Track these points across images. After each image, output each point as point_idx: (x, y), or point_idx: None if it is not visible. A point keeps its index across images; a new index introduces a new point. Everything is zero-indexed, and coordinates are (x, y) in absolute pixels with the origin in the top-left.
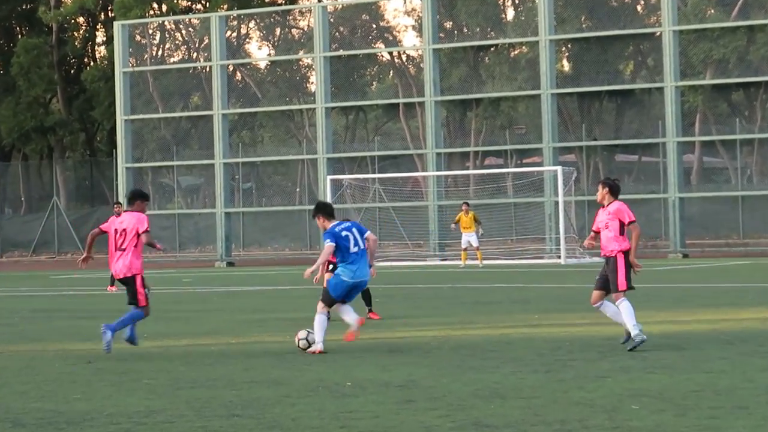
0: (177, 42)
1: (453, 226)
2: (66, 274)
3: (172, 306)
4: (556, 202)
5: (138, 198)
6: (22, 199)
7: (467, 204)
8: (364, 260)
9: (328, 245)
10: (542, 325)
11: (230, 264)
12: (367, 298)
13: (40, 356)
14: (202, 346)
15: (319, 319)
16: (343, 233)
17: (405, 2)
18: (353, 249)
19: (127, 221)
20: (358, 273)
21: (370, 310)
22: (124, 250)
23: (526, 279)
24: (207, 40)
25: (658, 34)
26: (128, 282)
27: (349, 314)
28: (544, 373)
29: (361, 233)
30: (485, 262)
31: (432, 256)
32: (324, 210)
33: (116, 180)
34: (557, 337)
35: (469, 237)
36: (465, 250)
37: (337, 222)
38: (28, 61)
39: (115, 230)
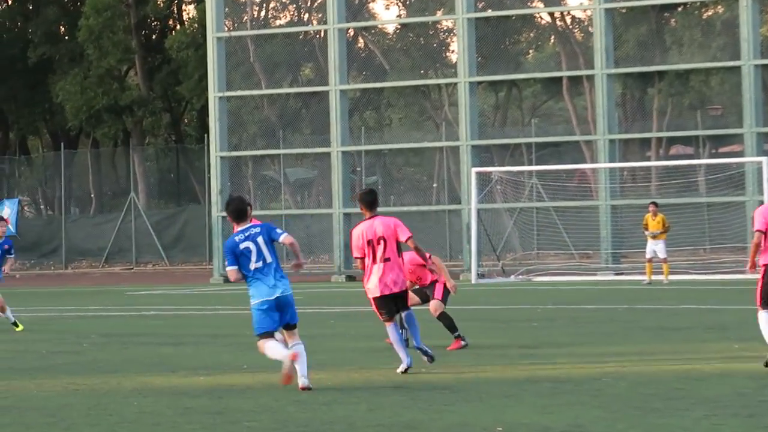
0: (284, 1)
1: (647, 233)
2: (146, 290)
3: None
4: (760, 202)
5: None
6: (92, 196)
7: (655, 204)
8: (275, 270)
9: (230, 271)
10: (743, 357)
11: (351, 278)
12: (449, 322)
13: (115, 391)
14: (315, 381)
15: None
16: (242, 246)
17: None
18: (255, 265)
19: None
20: (277, 286)
21: (457, 337)
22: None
23: (722, 299)
24: None
25: None
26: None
27: (277, 351)
28: (745, 418)
29: (270, 240)
30: (671, 277)
31: (604, 270)
32: (228, 208)
33: (208, 172)
34: (762, 372)
35: (655, 246)
36: (650, 261)
37: (243, 228)
38: (99, 25)
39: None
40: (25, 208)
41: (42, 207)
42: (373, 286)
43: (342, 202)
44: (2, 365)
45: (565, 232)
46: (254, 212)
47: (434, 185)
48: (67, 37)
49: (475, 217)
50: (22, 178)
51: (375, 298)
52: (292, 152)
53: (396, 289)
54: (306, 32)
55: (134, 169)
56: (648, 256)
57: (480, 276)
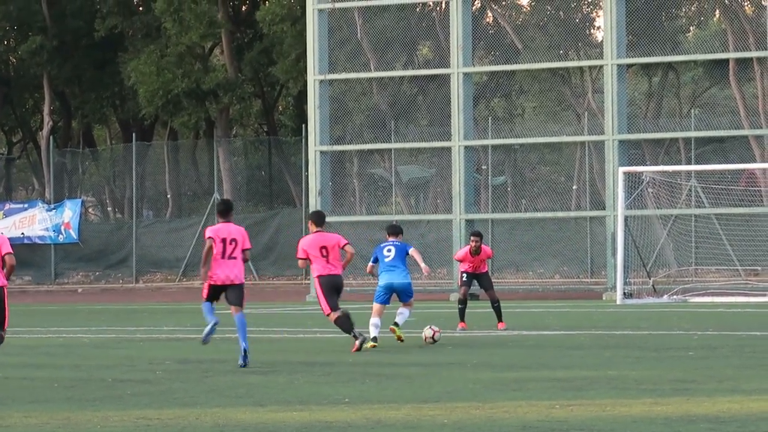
0: None
1: None
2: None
3: (388, 358)
4: None
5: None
6: (168, 196)
7: None
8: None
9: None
10: None
11: (473, 297)
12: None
13: (193, 427)
14: (429, 417)
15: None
16: None
17: None
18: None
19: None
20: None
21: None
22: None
23: None
24: None
25: None
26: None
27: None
28: None
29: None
30: None
31: None
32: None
33: (305, 170)
34: None
35: None
36: None
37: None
38: None
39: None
40: (90, 210)
41: (109, 209)
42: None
43: (464, 206)
44: (61, 395)
45: (729, 244)
46: (359, 218)
47: (574, 187)
48: (141, 8)
49: (621, 225)
50: (87, 174)
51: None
52: (405, 147)
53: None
54: (424, 4)
55: (218, 166)
56: None
57: (627, 295)
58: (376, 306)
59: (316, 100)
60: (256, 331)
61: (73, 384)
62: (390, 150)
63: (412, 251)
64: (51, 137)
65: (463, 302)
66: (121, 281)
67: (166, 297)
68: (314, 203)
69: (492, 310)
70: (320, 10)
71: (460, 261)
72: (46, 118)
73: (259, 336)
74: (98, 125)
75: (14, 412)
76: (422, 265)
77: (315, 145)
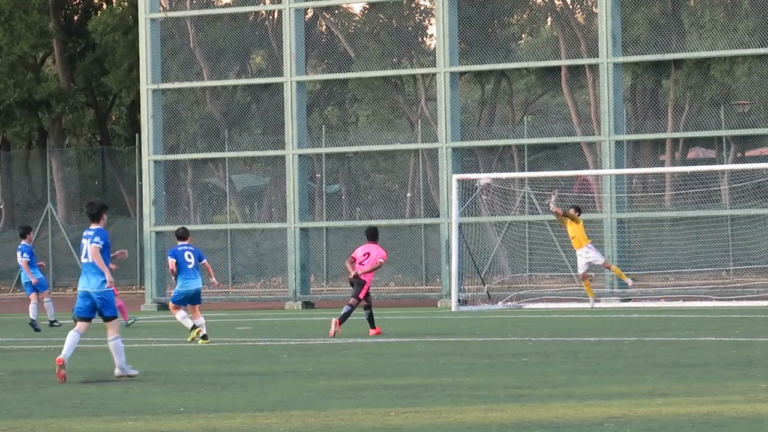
0: None
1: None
2: (67, 319)
3: (223, 367)
4: None
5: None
6: (1, 206)
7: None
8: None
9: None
10: None
11: (308, 305)
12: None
13: None
14: (265, 426)
15: None
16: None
17: None
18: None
19: None
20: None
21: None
22: None
23: (748, 330)
24: None
25: None
26: None
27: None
28: None
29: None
30: (689, 304)
31: (608, 295)
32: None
33: (139, 179)
34: None
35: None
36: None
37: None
38: (9, 3)
39: None
40: None
41: None
42: None
43: (298, 215)
44: None
45: (563, 250)
46: (194, 227)
47: (408, 195)
48: None
49: (456, 232)
50: None
51: None
52: (239, 155)
53: None
54: (257, 13)
55: (52, 176)
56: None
57: (461, 302)
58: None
59: (149, 110)
60: (90, 342)
61: None
62: (224, 159)
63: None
64: None
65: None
66: None
67: None
68: (148, 213)
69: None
70: (152, 20)
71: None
72: None
73: (93, 346)
74: None
75: None
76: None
77: (148, 154)
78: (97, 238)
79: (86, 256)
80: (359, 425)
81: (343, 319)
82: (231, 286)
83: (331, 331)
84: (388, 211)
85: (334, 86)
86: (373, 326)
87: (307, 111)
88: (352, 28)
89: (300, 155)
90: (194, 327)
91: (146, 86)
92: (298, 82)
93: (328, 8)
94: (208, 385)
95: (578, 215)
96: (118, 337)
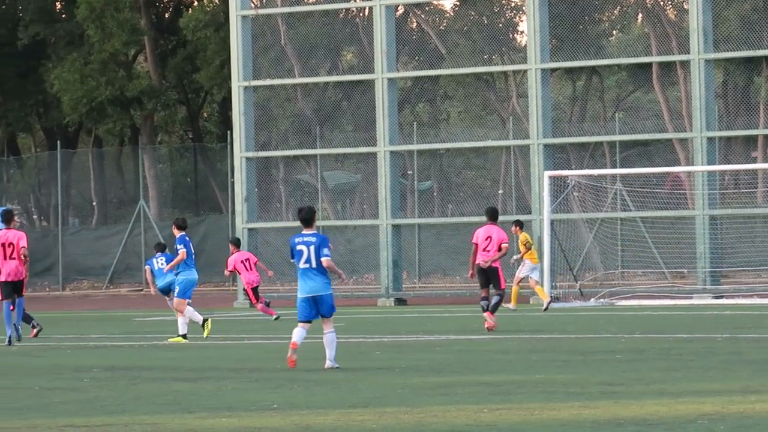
0: None
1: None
2: (158, 315)
3: (316, 363)
4: None
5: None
6: (94, 204)
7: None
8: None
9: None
10: None
11: (401, 302)
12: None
13: None
14: (358, 422)
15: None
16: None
17: None
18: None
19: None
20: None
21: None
22: None
23: None
24: None
25: None
26: None
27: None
28: None
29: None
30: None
31: (700, 292)
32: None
33: (231, 176)
34: None
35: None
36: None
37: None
38: (101, 1)
39: None
40: (15, 217)
41: (35, 217)
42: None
43: (390, 212)
44: None
45: (655, 247)
46: (286, 224)
47: (500, 192)
48: (64, 15)
49: (547, 229)
50: (12, 182)
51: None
52: (331, 152)
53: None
54: (348, 10)
55: (144, 173)
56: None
57: (554, 299)
58: None
59: (241, 107)
60: (191, 339)
61: (0, 393)
62: (315, 156)
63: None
64: None
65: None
66: (47, 289)
67: (92, 304)
68: (240, 210)
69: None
70: (243, 17)
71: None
72: None
73: (186, 343)
74: (23, 133)
75: None
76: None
77: (240, 151)
78: (326, 250)
79: (308, 261)
80: (452, 422)
81: (494, 310)
82: None
83: (489, 324)
84: (479, 208)
85: (425, 83)
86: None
87: (398, 108)
88: (443, 24)
89: (391, 152)
90: (206, 320)
91: (237, 83)
92: (389, 79)
93: (418, 5)
94: (301, 381)
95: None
96: (333, 331)
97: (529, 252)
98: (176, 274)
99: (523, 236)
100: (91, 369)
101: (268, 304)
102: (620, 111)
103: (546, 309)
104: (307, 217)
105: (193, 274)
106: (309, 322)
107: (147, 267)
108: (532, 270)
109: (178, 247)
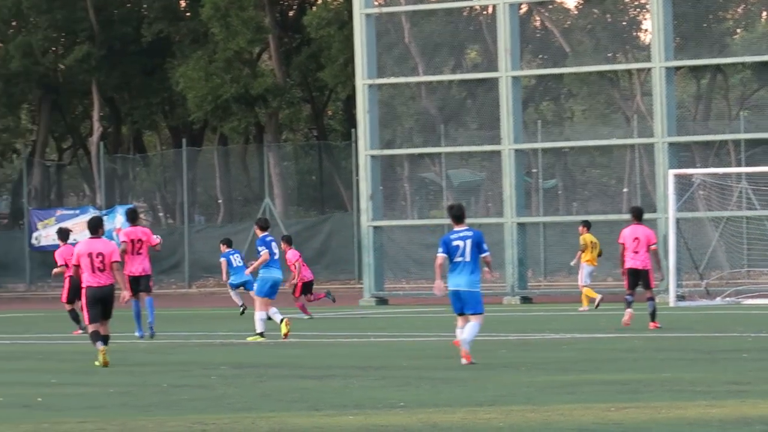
0: None
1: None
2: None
3: (442, 362)
4: None
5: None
6: (219, 201)
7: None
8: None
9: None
10: None
11: (526, 300)
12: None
13: (249, 431)
14: (485, 421)
15: None
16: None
17: None
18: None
19: None
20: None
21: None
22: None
23: None
24: None
25: None
26: None
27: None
28: None
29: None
30: None
31: None
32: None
33: (356, 174)
34: None
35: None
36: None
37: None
38: (226, 0)
39: None
40: (141, 215)
41: (161, 215)
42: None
43: (515, 210)
44: (116, 401)
45: None
46: (411, 221)
47: (624, 190)
48: (188, 14)
49: (673, 228)
50: (138, 180)
51: None
52: (455, 150)
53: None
54: (471, 8)
55: (269, 171)
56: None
57: (680, 298)
58: None
59: (365, 105)
60: (310, 336)
61: (128, 390)
62: (440, 154)
63: None
64: (101, 143)
65: None
66: (174, 286)
67: (219, 302)
68: (365, 208)
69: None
70: (367, 15)
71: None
72: (96, 125)
73: (312, 341)
74: (148, 131)
75: (69, 418)
76: None
77: (365, 149)
78: (485, 246)
79: (462, 255)
80: (579, 420)
81: (653, 316)
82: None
83: (655, 324)
84: (604, 206)
85: (549, 81)
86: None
87: (522, 106)
88: (567, 23)
89: (516, 150)
90: (283, 320)
91: (362, 81)
92: (513, 77)
93: (542, 3)
94: (428, 380)
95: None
96: (478, 323)
97: (587, 253)
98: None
99: (585, 237)
100: (218, 366)
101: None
102: (745, 109)
103: (597, 305)
104: (458, 214)
105: (272, 273)
106: (463, 314)
107: (223, 260)
108: (589, 272)
109: (260, 248)
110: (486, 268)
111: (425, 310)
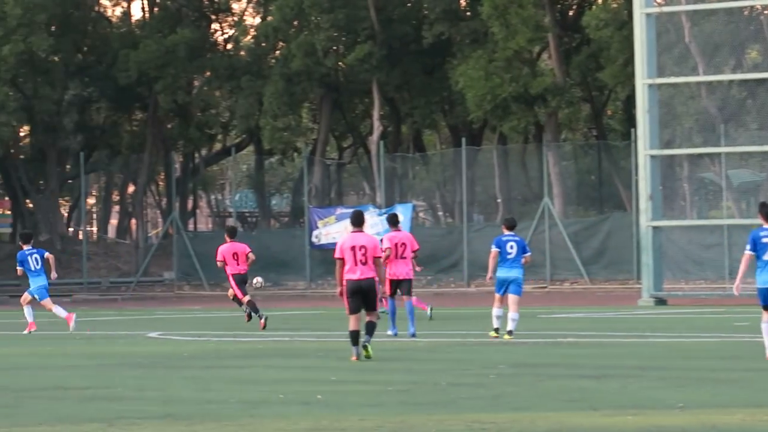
0: None
1: None
2: (562, 312)
3: (722, 363)
4: None
5: None
6: (498, 201)
7: None
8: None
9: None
10: None
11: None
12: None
13: (528, 431)
14: (765, 423)
15: None
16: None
17: None
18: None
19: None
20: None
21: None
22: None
23: None
24: None
25: None
26: None
27: None
28: None
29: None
30: None
31: None
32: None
33: (635, 174)
34: None
35: None
36: None
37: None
38: None
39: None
40: (421, 214)
41: (440, 213)
42: None
43: None
44: (395, 399)
45: None
46: (691, 222)
47: None
48: (468, 13)
49: None
50: (417, 179)
51: None
52: (735, 150)
53: None
54: (752, 7)
55: (548, 170)
56: None
57: None
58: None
59: (645, 105)
60: (588, 335)
61: (406, 388)
62: (720, 154)
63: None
64: (381, 142)
65: None
66: (452, 285)
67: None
68: (645, 208)
69: None
70: (647, 14)
71: None
72: (376, 124)
73: (590, 340)
74: (428, 130)
75: (350, 416)
76: None
77: (645, 149)
78: None
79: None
80: None
81: None
82: (727, 281)
83: None
84: None
85: None
86: None
87: None
88: None
89: None
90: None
91: (641, 81)
92: None
93: None
94: (707, 380)
95: None
96: None
97: None
98: None
99: None
100: (496, 365)
101: None
102: None
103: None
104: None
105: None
106: None
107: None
108: None
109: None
110: None
111: (705, 311)
